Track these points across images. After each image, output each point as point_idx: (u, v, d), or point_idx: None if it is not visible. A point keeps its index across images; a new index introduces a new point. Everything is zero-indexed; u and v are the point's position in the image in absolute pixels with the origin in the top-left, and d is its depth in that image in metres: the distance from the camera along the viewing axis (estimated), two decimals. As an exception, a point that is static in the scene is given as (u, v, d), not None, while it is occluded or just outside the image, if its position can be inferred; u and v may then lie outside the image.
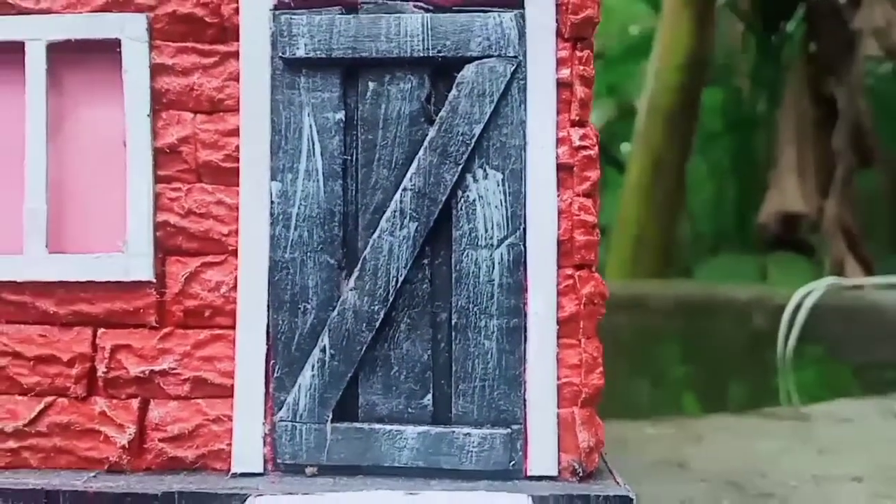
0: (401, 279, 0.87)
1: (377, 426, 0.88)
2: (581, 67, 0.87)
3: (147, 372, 0.89)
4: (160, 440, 0.89)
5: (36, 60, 0.89)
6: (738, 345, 3.58)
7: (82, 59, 0.91)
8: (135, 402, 0.90)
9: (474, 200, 0.87)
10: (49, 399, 0.90)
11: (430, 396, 0.88)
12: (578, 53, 0.88)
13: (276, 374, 0.89)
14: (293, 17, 0.87)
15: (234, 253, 0.90)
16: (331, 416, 0.88)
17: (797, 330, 3.12)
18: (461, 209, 0.87)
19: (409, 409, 0.88)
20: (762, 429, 1.76)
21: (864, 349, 3.05)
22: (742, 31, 6.10)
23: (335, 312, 0.88)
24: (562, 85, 0.87)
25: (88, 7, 0.89)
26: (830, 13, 4.92)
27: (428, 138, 0.87)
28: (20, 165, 0.91)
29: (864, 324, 3.22)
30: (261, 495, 0.83)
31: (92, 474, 0.89)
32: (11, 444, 0.90)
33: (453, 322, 0.88)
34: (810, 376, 2.93)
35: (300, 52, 0.87)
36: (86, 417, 0.90)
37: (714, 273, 5.53)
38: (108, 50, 0.90)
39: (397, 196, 0.87)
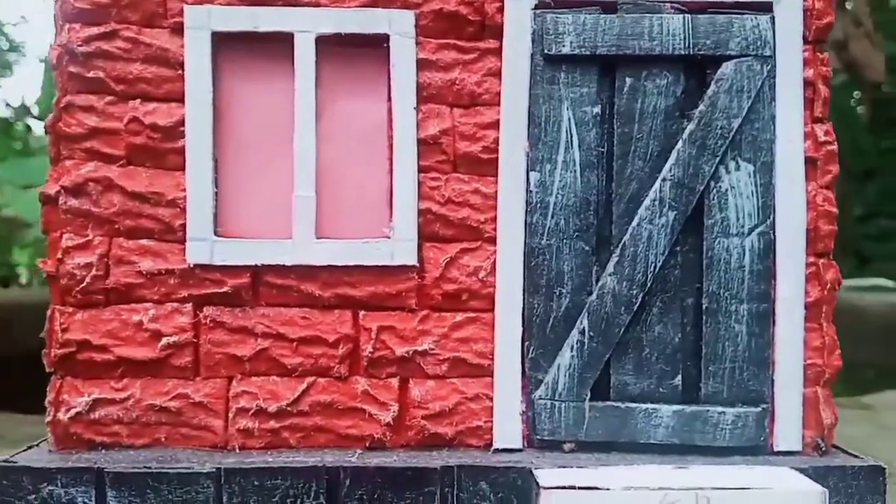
0: (658, 265, 0.92)
1: (633, 404, 0.93)
2: (823, 68, 0.94)
3: (410, 352, 0.93)
4: (422, 417, 0.93)
5: (305, 52, 0.92)
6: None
7: (340, 51, 0.94)
8: (394, 381, 0.94)
9: (726, 191, 0.92)
10: (311, 379, 0.93)
11: (679, 377, 0.93)
12: (820, 55, 0.94)
13: (530, 355, 0.93)
14: (558, 16, 0.92)
15: (489, 240, 0.94)
16: (588, 395, 0.92)
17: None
18: (713, 199, 0.92)
19: (661, 389, 0.93)
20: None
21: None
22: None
23: (594, 296, 0.92)
24: (806, 84, 0.93)
25: (356, 2, 0.93)
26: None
27: (687, 131, 0.92)
28: (282, 153, 0.94)
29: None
30: (539, 468, 0.87)
31: (359, 451, 0.92)
32: (273, 424, 0.93)
33: (704, 306, 0.93)
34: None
35: (566, 49, 0.92)
36: (348, 396, 0.93)
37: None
38: (369, 44, 0.94)
39: (656, 186, 0.92)
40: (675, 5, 0.93)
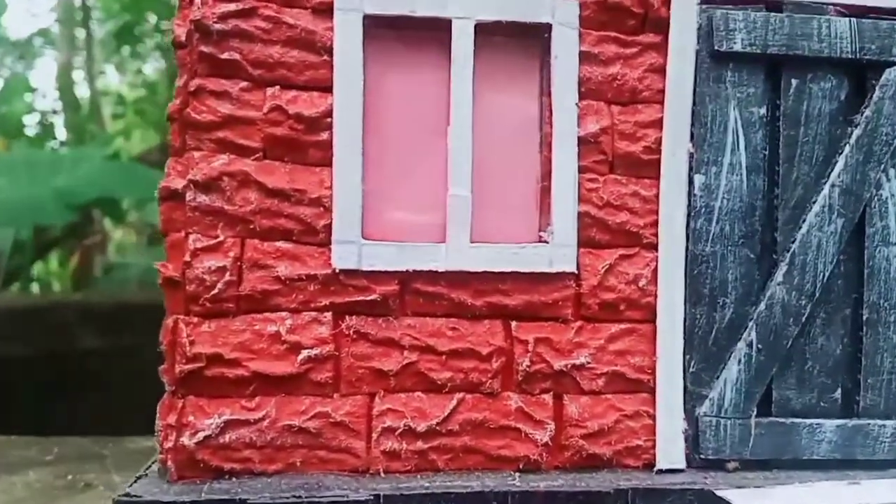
0: (827, 274, 0.89)
1: (798, 420, 0.89)
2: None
3: (568, 366, 0.87)
4: (581, 437, 0.87)
5: (463, 40, 0.85)
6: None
7: (493, 40, 0.87)
8: (548, 398, 0.87)
9: (886, 199, 0.90)
10: (460, 395, 0.86)
11: (839, 390, 0.90)
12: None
13: (691, 370, 0.88)
14: (729, 12, 0.88)
15: (647, 246, 0.89)
16: (755, 411, 0.88)
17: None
18: (874, 207, 0.90)
19: (821, 403, 0.90)
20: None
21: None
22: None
23: (762, 307, 0.88)
24: (959, 92, 0.92)
25: (516, -12, 0.86)
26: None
27: (854, 136, 0.89)
28: (432, 149, 0.86)
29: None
30: (719, 489, 0.82)
31: (516, 474, 0.85)
32: (420, 444, 0.85)
33: (864, 317, 0.90)
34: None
35: (737, 47, 0.87)
36: (499, 414, 0.86)
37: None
38: (525, 34, 0.87)
39: (825, 192, 0.89)
40: (839, 8, 0.90)
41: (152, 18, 6.06)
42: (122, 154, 5.19)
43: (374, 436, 0.84)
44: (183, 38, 0.83)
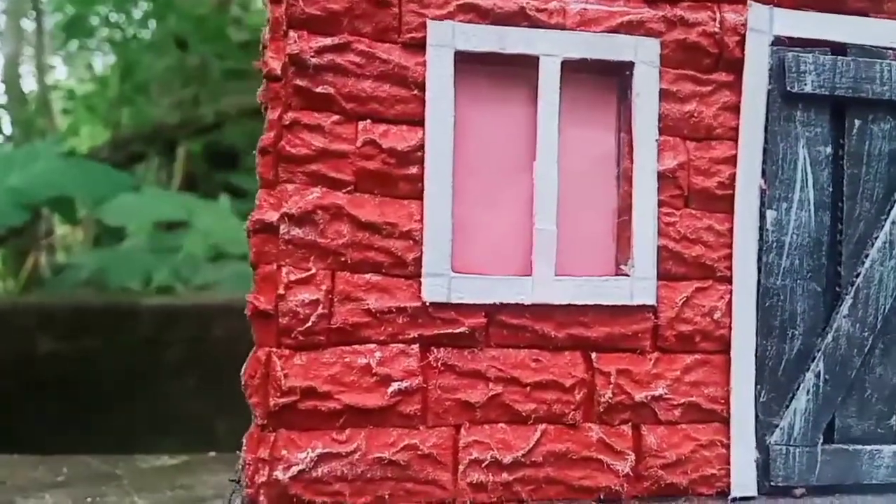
0: (887, 307, 0.92)
1: (859, 447, 0.92)
2: None
3: (647, 397, 0.89)
4: (659, 467, 0.89)
5: (550, 77, 0.86)
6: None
7: (575, 77, 0.89)
8: (626, 428, 0.89)
9: (942, 235, 0.94)
10: (543, 427, 0.87)
11: (894, 417, 0.94)
12: None
13: (761, 399, 0.91)
14: (800, 55, 0.91)
15: (721, 279, 0.91)
16: (821, 439, 0.91)
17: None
18: (927, 242, 0.94)
19: (878, 430, 0.94)
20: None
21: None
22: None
23: (829, 339, 0.91)
24: None
25: (601, 27, 0.88)
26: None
27: (914, 176, 0.93)
28: (516, 182, 0.88)
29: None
30: (796, 517, 0.85)
31: (597, 504, 0.87)
32: (505, 476, 0.86)
33: (917, 347, 0.94)
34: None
35: (807, 88, 0.90)
36: (581, 445, 0.88)
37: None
38: (607, 71, 0.89)
39: (886, 229, 0.92)
40: (898, 52, 0.94)
41: (102, 10, 5.92)
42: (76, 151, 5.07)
43: (461, 468, 0.85)
44: (278, 71, 0.82)
